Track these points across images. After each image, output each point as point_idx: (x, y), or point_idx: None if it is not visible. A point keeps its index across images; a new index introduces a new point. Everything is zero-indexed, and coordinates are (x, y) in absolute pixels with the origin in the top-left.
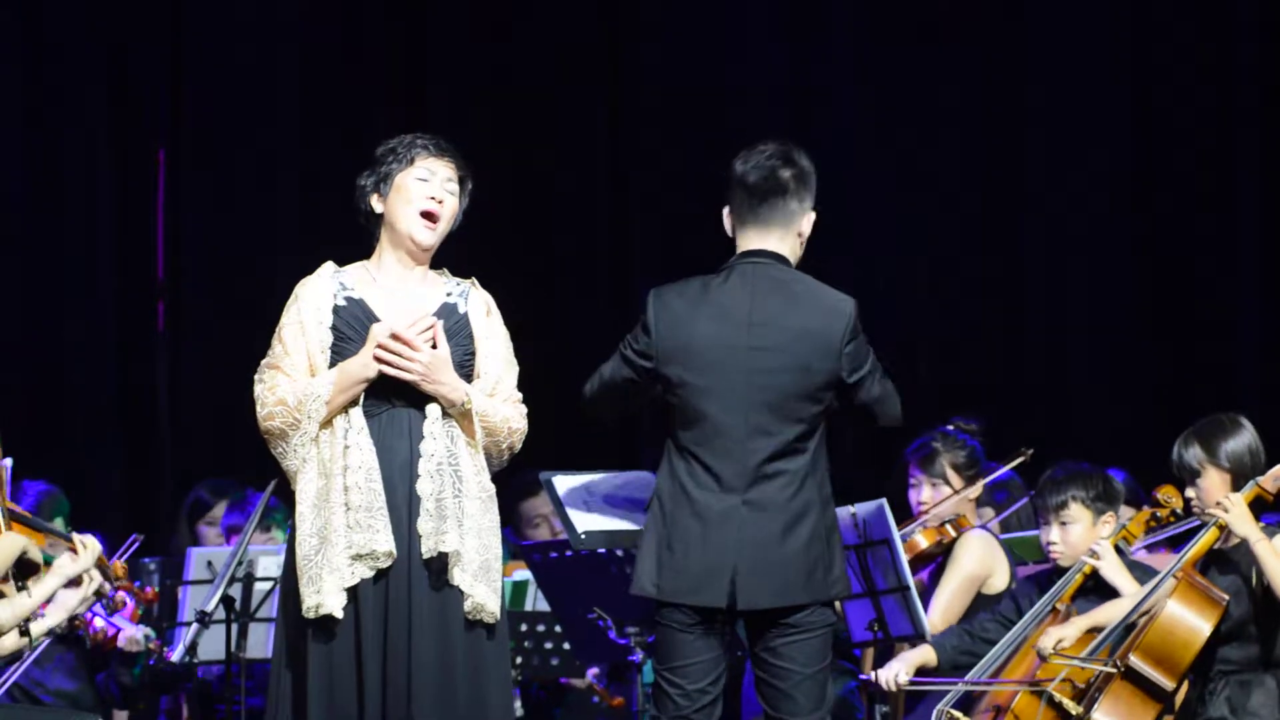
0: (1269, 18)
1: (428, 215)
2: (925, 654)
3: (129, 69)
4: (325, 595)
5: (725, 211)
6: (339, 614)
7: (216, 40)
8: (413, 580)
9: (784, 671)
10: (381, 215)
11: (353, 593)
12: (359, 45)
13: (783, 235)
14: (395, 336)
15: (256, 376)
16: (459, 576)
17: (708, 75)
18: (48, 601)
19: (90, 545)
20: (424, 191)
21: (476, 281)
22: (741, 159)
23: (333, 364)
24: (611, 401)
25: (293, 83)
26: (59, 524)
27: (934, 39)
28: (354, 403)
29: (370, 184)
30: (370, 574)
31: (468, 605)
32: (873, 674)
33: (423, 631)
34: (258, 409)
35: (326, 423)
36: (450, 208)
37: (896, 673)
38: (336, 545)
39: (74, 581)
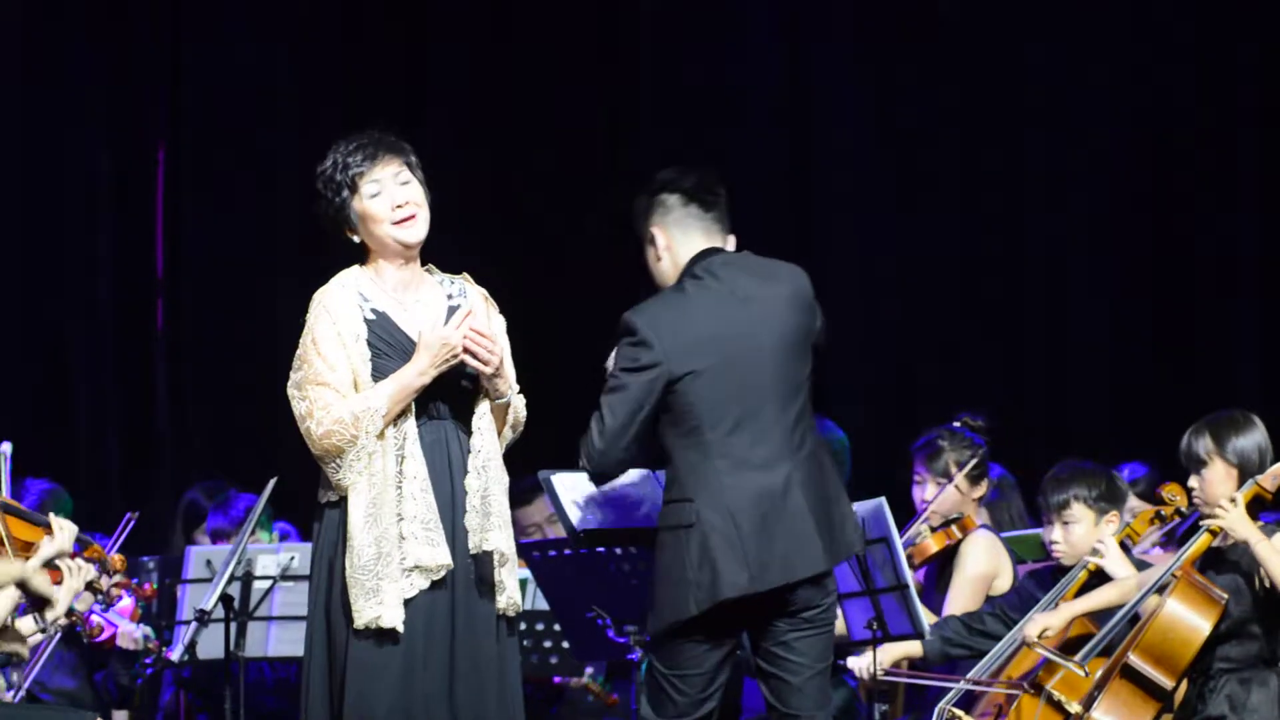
0: (1270, 17)
1: (402, 220)
2: (908, 647)
3: (129, 69)
4: (386, 608)
5: (655, 232)
6: (401, 627)
7: (216, 40)
8: (457, 578)
9: (795, 666)
10: (362, 242)
11: (409, 599)
12: (359, 45)
13: (723, 241)
14: (478, 331)
15: (296, 393)
16: (502, 571)
17: (708, 75)
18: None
19: (66, 526)
20: (384, 206)
21: (469, 276)
22: (671, 175)
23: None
24: (633, 438)
25: (293, 83)
26: None
27: (933, 38)
28: (407, 414)
29: (333, 217)
30: (427, 585)
31: (502, 600)
32: (845, 660)
33: (463, 629)
34: (311, 427)
35: (379, 434)
36: (416, 197)
37: (868, 663)
38: (394, 558)
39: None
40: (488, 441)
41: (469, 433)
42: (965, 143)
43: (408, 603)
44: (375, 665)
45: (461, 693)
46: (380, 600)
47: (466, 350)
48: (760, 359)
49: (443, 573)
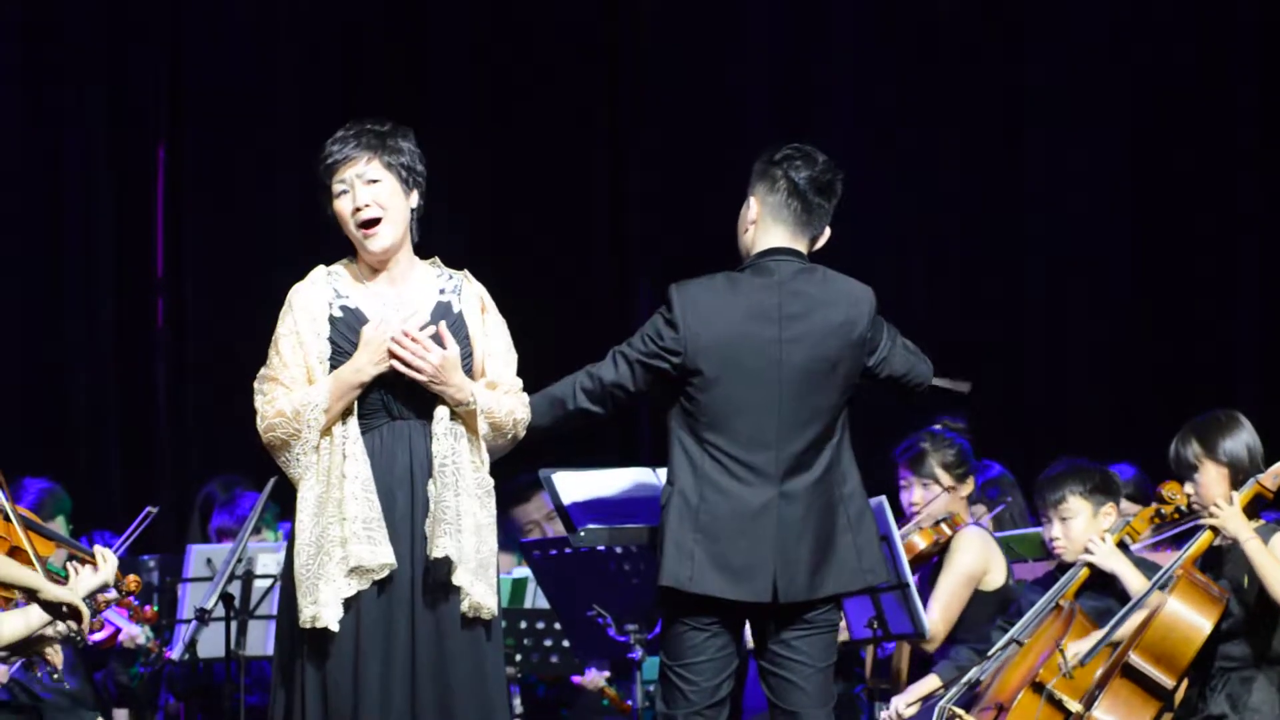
0: (1270, 17)
1: (364, 225)
2: (930, 683)
3: (129, 69)
4: (322, 607)
5: (752, 201)
6: (334, 627)
7: (216, 40)
8: (415, 584)
9: (796, 665)
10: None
11: (354, 600)
12: (358, 45)
13: (810, 242)
14: (409, 336)
15: (256, 387)
16: (459, 576)
17: (708, 75)
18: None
19: (110, 558)
20: (347, 208)
21: (469, 274)
22: (798, 162)
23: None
24: (600, 407)
25: (293, 83)
26: (60, 522)
27: (934, 38)
28: (350, 413)
29: (326, 212)
30: (367, 585)
31: (465, 604)
32: (881, 714)
33: (424, 635)
34: (258, 421)
35: (326, 431)
36: (383, 199)
37: (897, 708)
38: (333, 556)
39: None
40: (446, 446)
41: (433, 438)
42: (965, 143)
43: (350, 603)
44: (330, 667)
45: (426, 699)
46: (315, 600)
47: (393, 355)
48: (782, 379)
49: (385, 572)
